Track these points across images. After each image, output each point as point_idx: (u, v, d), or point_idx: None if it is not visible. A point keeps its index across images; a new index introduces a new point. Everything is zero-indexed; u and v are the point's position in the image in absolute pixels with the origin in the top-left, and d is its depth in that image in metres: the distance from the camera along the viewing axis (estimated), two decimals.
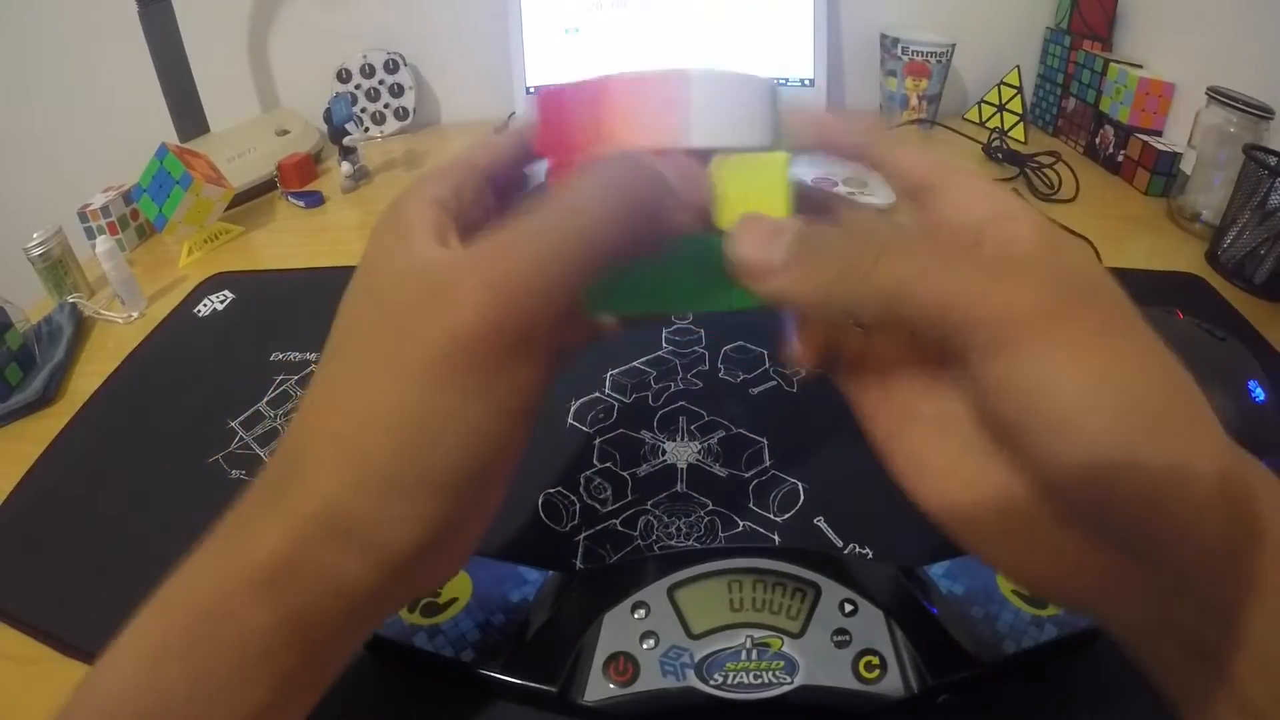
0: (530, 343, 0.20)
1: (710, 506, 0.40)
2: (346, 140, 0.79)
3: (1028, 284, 0.18)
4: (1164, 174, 0.72)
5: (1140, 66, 0.78)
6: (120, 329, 0.60)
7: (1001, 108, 0.88)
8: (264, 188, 0.81)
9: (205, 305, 0.60)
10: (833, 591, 0.30)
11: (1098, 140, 0.81)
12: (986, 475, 0.20)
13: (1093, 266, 0.19)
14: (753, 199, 0.21)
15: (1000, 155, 0.79)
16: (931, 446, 0.22)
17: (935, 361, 0.22)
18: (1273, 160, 0.56)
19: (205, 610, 0.19)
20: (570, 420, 0.46)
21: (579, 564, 0.37)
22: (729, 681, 0.28)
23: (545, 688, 0.29)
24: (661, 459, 0.43)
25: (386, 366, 0.19)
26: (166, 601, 0.20)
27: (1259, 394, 0.42)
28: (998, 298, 0.18)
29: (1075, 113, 0.85)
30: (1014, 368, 0.18)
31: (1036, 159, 0.76)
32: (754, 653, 0.29)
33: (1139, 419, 0.17)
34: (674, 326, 0.54)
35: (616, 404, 0.47)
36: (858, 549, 0.37)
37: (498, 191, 0.24)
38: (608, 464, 0.43)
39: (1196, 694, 0.19)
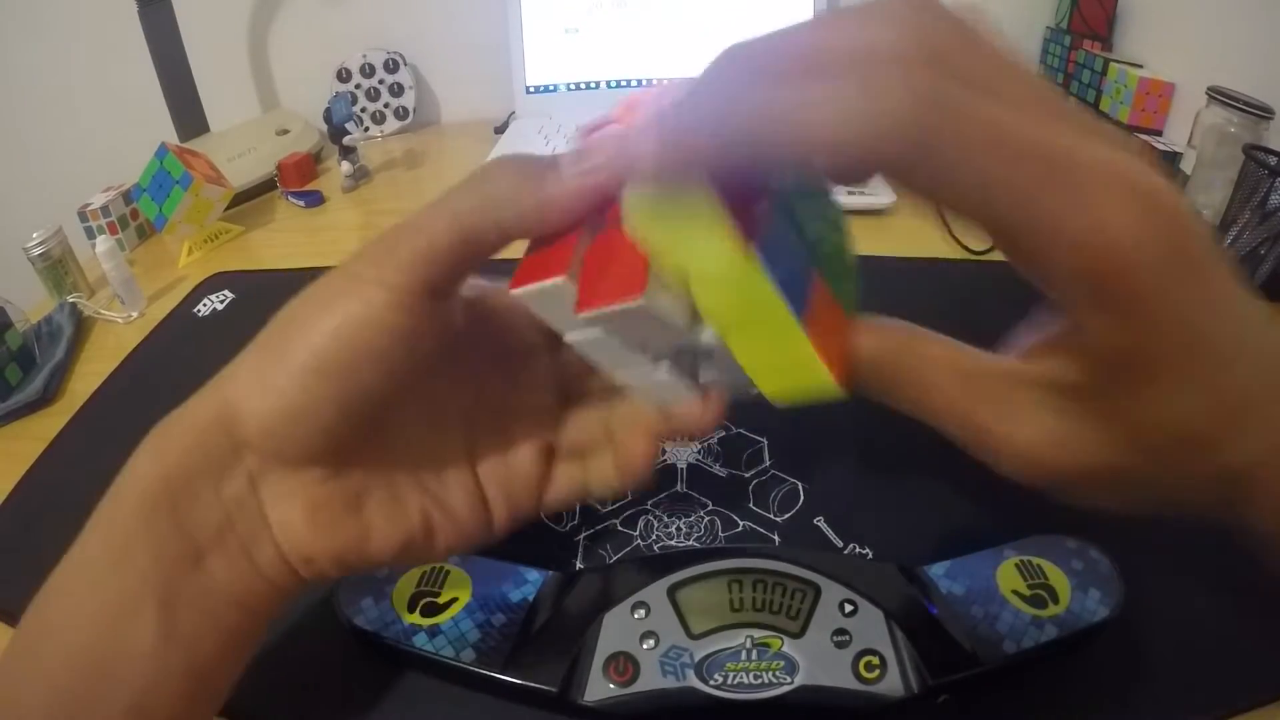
0: (414, 294, 0.22)
1: (710, 506, 0.40)
2: (346, 140, 0.79)
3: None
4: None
5: (1140, 66, 0.78)
6: (120, 329, 0.60)
7: None
8: (264, 187, 0.81)
9: (205, 305, 0.60)
10: (833, 591, 0.30)
11: None
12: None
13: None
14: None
15: None
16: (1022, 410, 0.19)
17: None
18: (1273, 160, 0.56)
19: (121, 482, 0.24)
20: None
21: (579, 564, 0.37)
22: (729, 681, 0.28)
23: (545, 688, 0.29)
24: (661, 459, 0.43)
25: (318, 302, 0.23)
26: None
27: None
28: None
29: None
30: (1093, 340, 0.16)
31: None
32: (754, 653, 0.29)
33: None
34: None
35: None
36: (858, 549, 0.37)
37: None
38: None
39: None
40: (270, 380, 0.22)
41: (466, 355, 0.26)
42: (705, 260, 0.18)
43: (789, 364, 0.19)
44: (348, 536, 0.24)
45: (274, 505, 0.23)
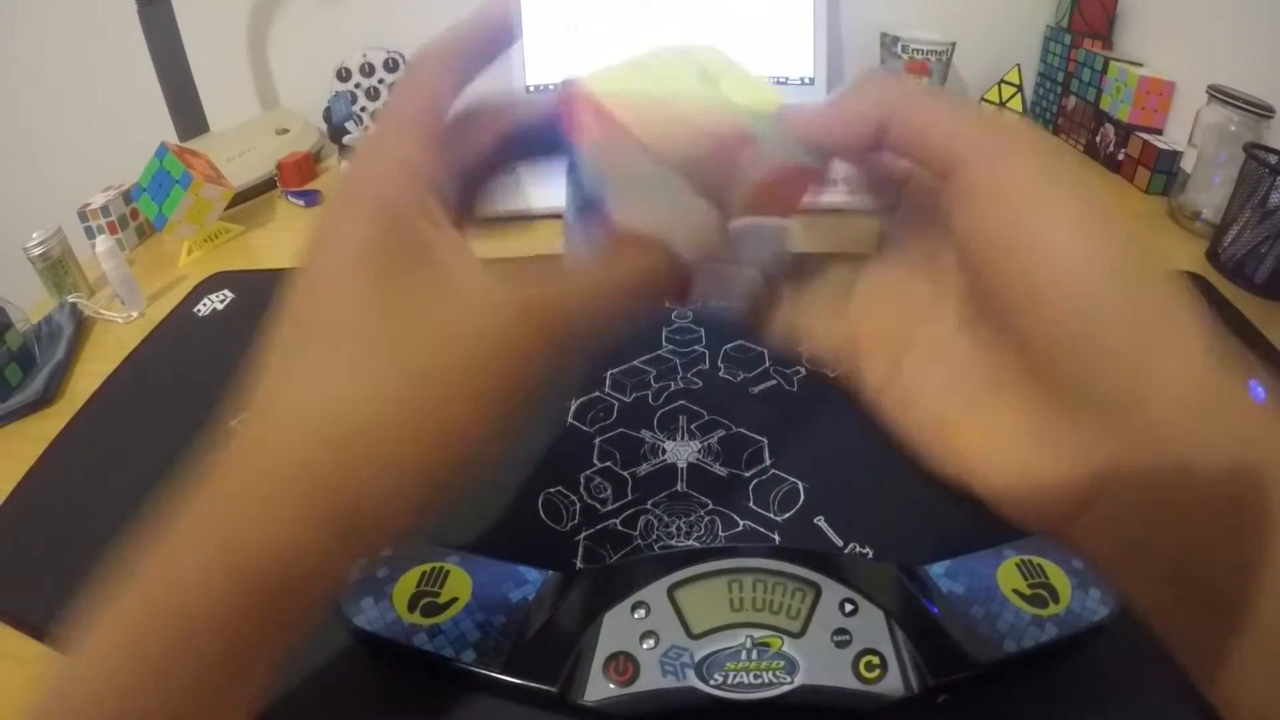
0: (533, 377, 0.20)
1: (710, 506, 0.40)
2: (346, 139, 0.79)
3: (1024, 145, 0.18)
4: (1164, 172, 0.72)
5: (1140, 65, 0.78)
6: (120, 329, 0.60)
7: (1002, 106, 0.88)
8: (264, 187, 0.81)
9: (205, 305, 0.60)
10: (833, 591, 0.30)
11: (1098, 139, 0.81)
12: (974, 391, 0.20)
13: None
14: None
15: None
16: (926, 374, 0.22)
17: (931, 277, 0.22)
18: (1273, 159, 0.56)
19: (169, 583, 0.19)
20: (570, 419, 0.46)
21: (579, 564, 0.37)
22: (729, 681, 0.28)
23: (545, 688, 0.29)
24: (661, 458, 0.43)
25: (408, 360, 0.19)
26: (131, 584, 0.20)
27: (1259, 393, 0.42)
28: (992, 137, 0.18)
29: (1075, 111, 0.85)
30: (1004, 197, 0.18)
31: None
32: (754, 652, 0.29)
33: (1121, 269, 0.17)
34: (674, 325, 0.54)
35: (616, 403, 0.47)
36: (858, 549, 0.37)
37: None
38: (608, 463, 0.43)
39: (1186, 637, 0.20)
40: (401, 472, 0.19)
41: None
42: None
43: None
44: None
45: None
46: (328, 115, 0.79)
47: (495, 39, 0.24)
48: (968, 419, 0.21)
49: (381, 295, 0.19)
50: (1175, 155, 0.71)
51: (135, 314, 0.61)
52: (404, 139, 0.21)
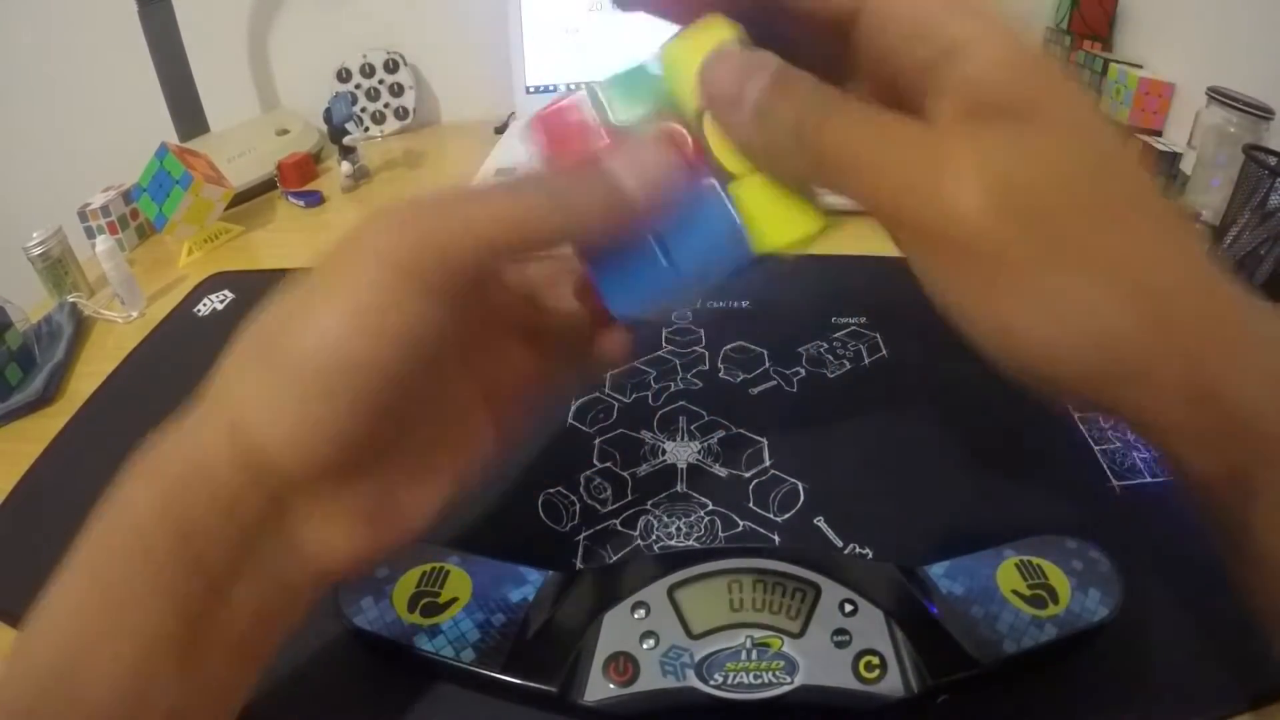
0: (449, 291, 0.20)
1: (710, 506, 0.40)
2: (346, 140, 0.79)
3: (967, 192, 0.15)
4: (1164, 174, 0.72)
5: (1140, 66, 0.78)
6: (120, 329, 0.60)
7: None
8: (264, 187, 0.81)
9: (205, 305, 0.60)
10: (833, 591, 0.30)
11: None
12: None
13: (1077, 140, 0.16)
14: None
15: None
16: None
17: None
18: (1273, 160, 0.56)
19: (112, 515, 0.21)
20: (570, 420, 0.46)
21: (579, 564, 0.37)
22: (729, 681, 0.28)
23: (545, 688, 0.29)
24: (661, 459, 0.43)
25: (325, 293, 0.20)
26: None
27: None
28: (930, 206, 0.16)
29: None
30: (941, 276, 0.17)
31: None
32: (754, 653, 0.29)
33: (1088, 358, 0.16)
34: (674, 326, 0.54)
35: (616, 404, 0.47)
36: (858, 549, 0.37)
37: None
38: (608, 464, 0.43)
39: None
40: (287, 397, 0.20)
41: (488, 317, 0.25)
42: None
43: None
44: (392, 529, 0.23)
45: (309, 529, 0.21)
46: (328, 116, 0.79)
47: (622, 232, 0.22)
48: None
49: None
50: (1174, 157, 0.71)
51: (135, 314, 0.61)
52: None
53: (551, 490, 0.41)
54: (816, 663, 0.28)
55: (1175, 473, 0.19)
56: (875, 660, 0.28)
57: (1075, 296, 0.16)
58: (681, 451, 0.43)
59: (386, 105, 0.95)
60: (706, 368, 0.50)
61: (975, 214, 0.15)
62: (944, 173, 0.16)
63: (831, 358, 0.50)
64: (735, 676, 0.28)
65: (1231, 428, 0.17)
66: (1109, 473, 0.40)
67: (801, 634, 0.29)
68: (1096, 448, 0.41)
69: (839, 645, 0.29)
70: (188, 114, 0.84)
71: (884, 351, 0.50)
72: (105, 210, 0.69)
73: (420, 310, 0.19)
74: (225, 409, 0.21)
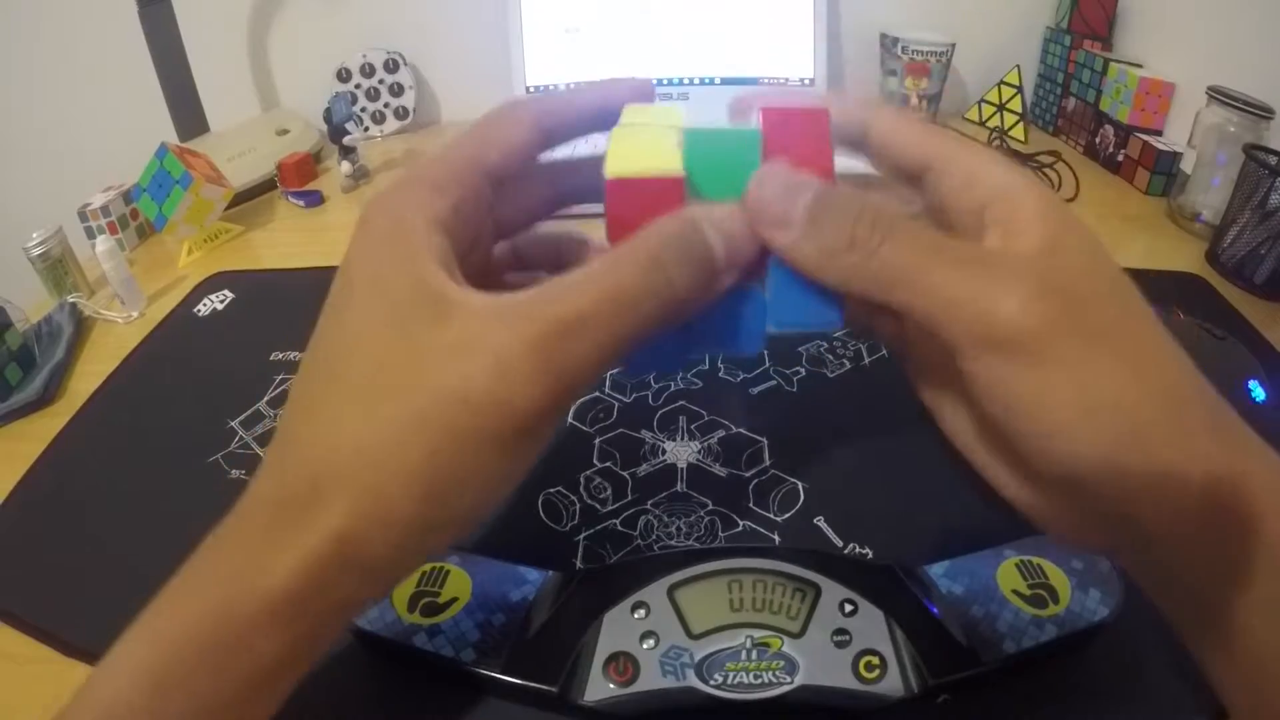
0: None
1: (710, 506, 0.40)
2: (346, 140, 0.79)
3: (1018, 292, 0.18)
4: (1164, 174, 0.72)
5: (1140, 66, 0.78)
6: (120, 329, 0.60)
7: (1001, 107, 0.88)
8: (264, 187, 0.81)
9: (205, 305, 0.60)
10: (833, 591, 0.30)
11: (1098, 140, 0.81)
12: (1002, 448, 0.22)
13: (1096, 263, 0.19)
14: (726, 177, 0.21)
15: None
16: (960, 419, 0.24)
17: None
18: (1273, 160, 0.56)
19: (213, 642, 0.19)
20: (570, 420, 0.46)
21: (579, 564, 0.37)
22: (729, 681, 0.28)
23: (545, 688, 0.29)
24: (661, 459, 0.43)
25: (419, 419, 0.18)
26: (166, 620, 0.20)
27: (1259, 394, 0.42)
28: (986, 305, 0.18)
29: (1075, 112, 0.85)
30: (998, 374, 0.18)
31: (1036, 158, 0.76)
32: (754, 653, 0.29)
33: (1122, 433, 0.18)
34: None
35: (616, 403, 0.47)
36: (858, 549, 0.37)
37: (499, 186, 0.23)
38: (608, 464, 0.43)
39: (1201, 646, 0.21)
40: (427, 548, 0.20)
41: None
42: None
43: None
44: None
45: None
46: (328, 116, 0.79)
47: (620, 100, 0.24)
48: (1000, 459, 0.22)
49: (394, 348, 0.19)
50: (1175, 156, 0.71)
51: (135, 314, 0.61)
52: (439, 193, 0.21)
53: (551, 490, 0.41)
54: (816, 663, 0.28)
55: (1159, 585, 0.22)
56: (875, 660, 0.28)
57: (1108, 384, 0.18)
58: (681, 451, 0.43)
59: (386, 105, 0.95)
60: (706, 368, 0.50)
61: (1020, 314, 0.18)
62: (998, 281, 0.18)
63: (831, 358, 0.50)
64: (735, 676, 0.28)
65: (1245, 530, 0.19)
66: None
67: (801, 634, 0.29)
68: None
69: (839, 645, 0.29)
70: (188, 114, 0.84)
71: (884, 351, 0.50)
72: (105, 210, 0.69)
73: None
74: (321, 518, 0.19)
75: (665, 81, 0.86)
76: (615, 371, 0.49)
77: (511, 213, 0.25)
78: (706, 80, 0.86)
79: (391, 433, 0.19)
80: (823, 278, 0.20)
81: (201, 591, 0.20)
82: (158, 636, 0.20)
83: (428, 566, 0.33)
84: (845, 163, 0.23)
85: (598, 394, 0.48)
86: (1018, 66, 0.87)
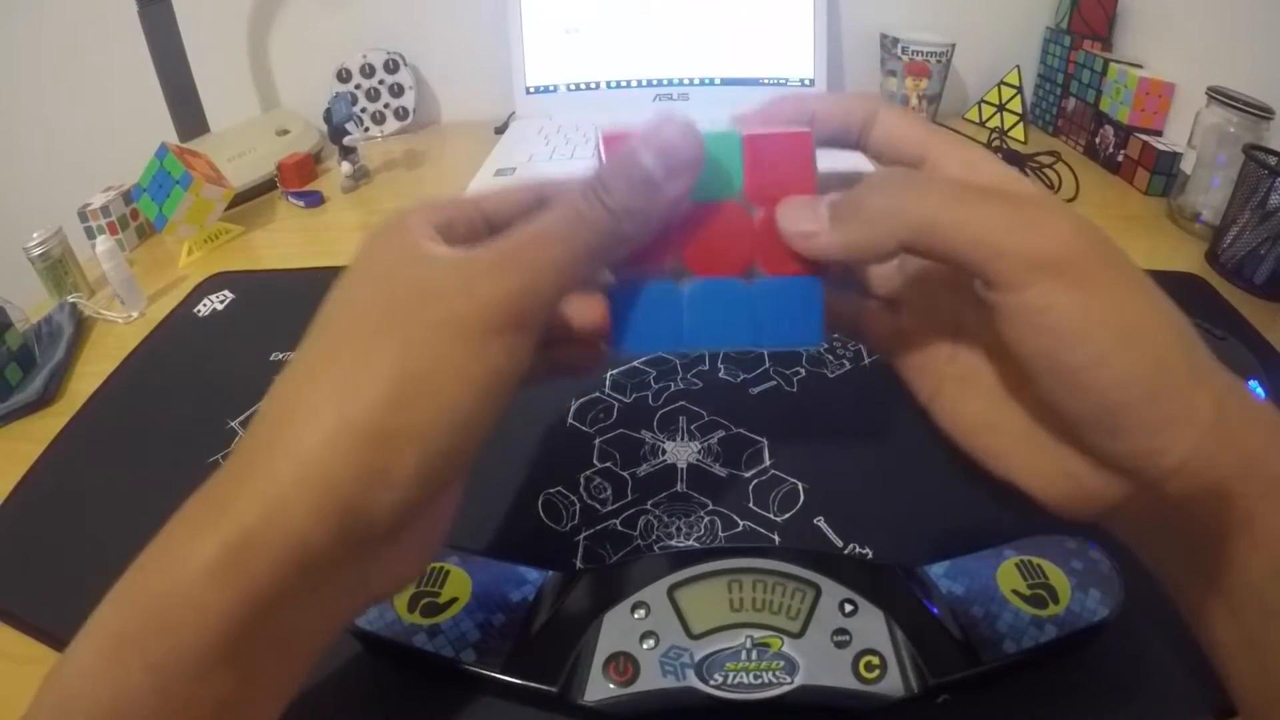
0: (524, 326, 0.21)
1: (710, 506, 0.40)
2: (346, 140, 0.79)
3: (1068, 218, 0.19)
4: (1164, 174, 0.72)
5: (1140, 66, 0.78)
6: (120, 329, 0.60)
7: (1001, 108, 0.88)
8: (264, 188, 0.81)
9: (205, 305, 0.60)
10: (833, 591, 0.30)
11: (1098, 140, 0.81)
12: (1009, 418, 0.23)
13: (1098, 228, 0.21)
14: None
15: (1000, 155, 0.79)
16: (962, 401, 0.25)
17: (953, 326, 0.25)
18: (1273, 160, 0.56)
19: (163, 593, 0.19)
20: (570, 420, 0.46)
21: (579, 564, 0.37)
22: (729, 681, 0.28)
23: (545, 688, 0.29)
24: (661, 459, 0.43)
25: (391, 332, 0.20)
26: (127, 586, 0.20)
27: (1259, 394, 0.42)
28: (1041, 229, 0.19)
29: (1075, 112, 0.85)
30: (1048, 300, 0.19)
31: (1036, 159, 0.76)
32: (754, 653, 0.29)
33: (1156, 358, 0.19)
34: None
35: (616, 404, 0.47)
36: (858, 549, 0.37)
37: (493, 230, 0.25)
38: (608, 464, 0.43)
39: (1191, 602, 0.23)
40: (397, 474, 0.20)
41: None
42: None
43: None
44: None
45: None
46: (328, 116, 0.79)
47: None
48: (1005, 432, 0.24)
49: (379, 296, 0.21)
50: (1175, 157, 0.71)
51: (135, 314, 0.61)
52: (434, 210, 0.23)
53: (551, 490, 0.41)
54: (816, 663, 0.28)
55: (1161, 544, 0.23)
56: (875, 660, 0.28)
57: (1139, 313, 0.19)
58: (681, 451, 0.43)
59: (386, 105, 0.95)
60: (706, 368, 0.50)
61: (1073, 236, 0.19)
62: (1048, 210, 0.20)
63: (831, 358, 0.50)
64: (735, 676, 0.28)
65: (1243, 463, 0.20)
66: None
67: (801, 634, 0.29)
68: None
69: (839, 645, 0.29)
70: (188, 114, 0.84)
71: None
72: (105, 210, 0.69)
73: (521, 357, 0.21)
74: (329, 487, 0.19)
75: (665, 82, 0.86)
76: (613, 367, 0.49)
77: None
78: (706, 80, 0.86)
79: (365, 352, 0.20)
80: (872, 249, 0.21)
81: (163, 552, 0.20)
82: (121, 597, 0.20)
83: (428, 567, 0.33)
84: (842, 161, 0.24)
85: (598, 394, 0.48)
86: (1018, 67, 0.87)
